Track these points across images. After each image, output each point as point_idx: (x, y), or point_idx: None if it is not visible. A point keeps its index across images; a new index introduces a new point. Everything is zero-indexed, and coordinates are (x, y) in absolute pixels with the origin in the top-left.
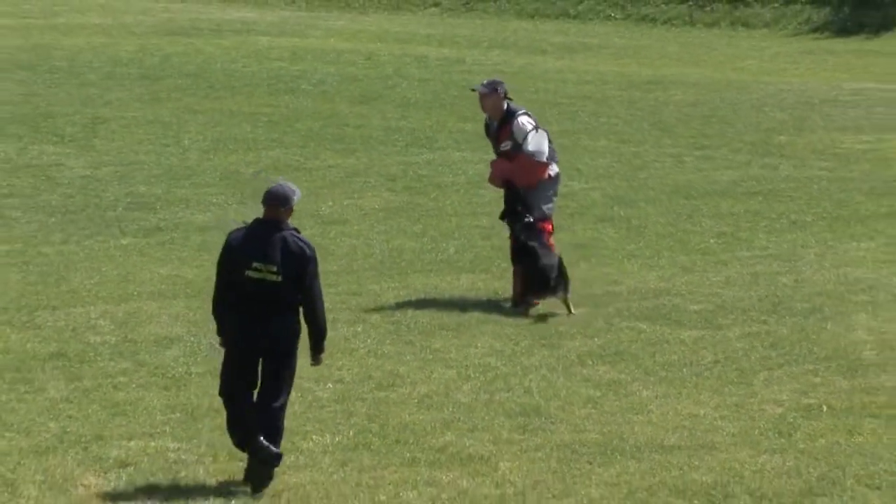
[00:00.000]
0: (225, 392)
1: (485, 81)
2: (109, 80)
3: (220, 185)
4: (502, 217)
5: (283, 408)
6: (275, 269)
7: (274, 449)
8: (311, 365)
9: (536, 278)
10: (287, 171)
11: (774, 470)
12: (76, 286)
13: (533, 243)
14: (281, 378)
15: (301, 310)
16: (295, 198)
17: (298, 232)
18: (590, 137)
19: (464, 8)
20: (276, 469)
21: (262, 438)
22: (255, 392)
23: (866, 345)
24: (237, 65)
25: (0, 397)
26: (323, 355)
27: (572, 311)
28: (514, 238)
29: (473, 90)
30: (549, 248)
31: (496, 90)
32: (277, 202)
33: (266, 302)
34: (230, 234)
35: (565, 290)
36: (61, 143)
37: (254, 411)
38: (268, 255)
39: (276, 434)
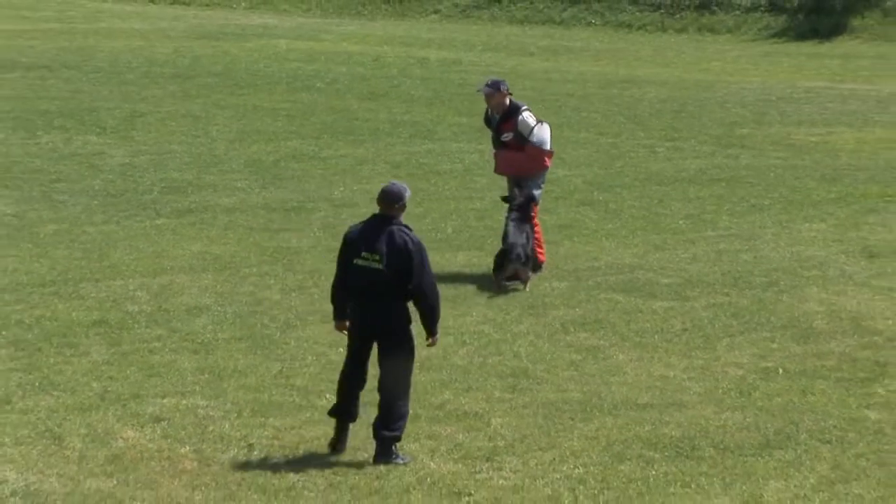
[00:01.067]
0: (345, 360)
1: (488, 82)
2: (146, 79)
3: (244, 172)
4: (504, 199)
5: (400, 395)
6: (378, 258)
7: (387, 433)
8: (427, 346)
9: (501, 254)
10: (303, 159)
11: (736, 425)
12: (116, 261)
13: (511, 223)
14: (396, 358)
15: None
16: (406, 195)
17: (409, 228)
18: (572, 130)
19: (461, 15)
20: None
21: (348, 425)
22: (363, 374)
23: (817, 315)
24: (259, 65)
25: (48, 360)
26: (436, 337)
27: (526, 288)
28: (506, 221)
29: (479, 91)
30: (523, 231)
31: (500, 89)
32: (391, 199)
33: (373, 289)
34: (349, 227)
35: (524, 266)
36: (103, 134)
37: (356, 391)
38: (374, 246)
39: (390, 418)
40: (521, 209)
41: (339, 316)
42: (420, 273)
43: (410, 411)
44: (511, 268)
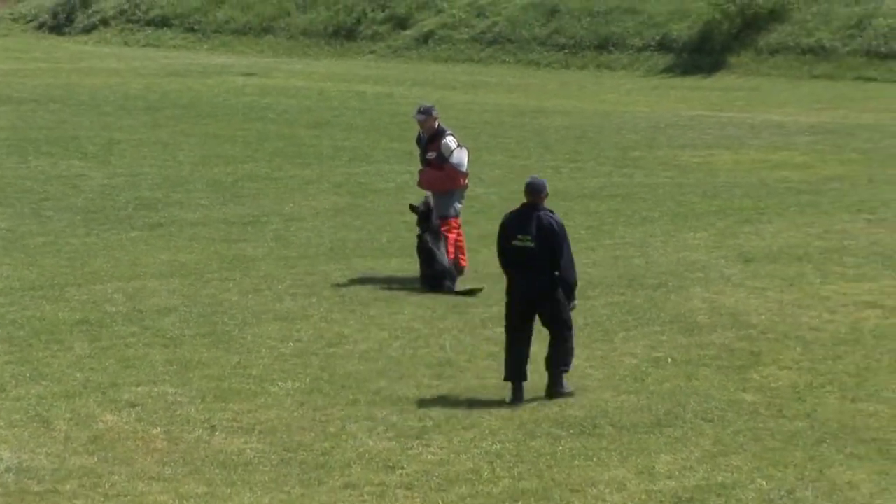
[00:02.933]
0: (507, 329)
1: (421, 108)
2: (122, 111)
3: (206, 191)
4: (413, 209)
5: (567, 339)
6: (529, 238)
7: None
8: (571, 309)
9: (431, 277)
10: (258, 179)
11: (631, 407)
12: (96, 268)
13: (433, 247)
14: (558, 321)
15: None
16: (547, 187)
17: (552, 212)
18: (489, 153)
19: (393, 55)
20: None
21: (522, 384)
22: (527, 336)
23: (700, 311)
24: (219, 98)
25: (38, 354)
26: (574, 302)
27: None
28: (421, 238)
29: (414, 117)
30: (445, 252)
31: (431, 114)
32: (536, 191)
33: (528, 264)
34: (504, 216)
35: (452, 285)
36: (85, 158)
37: (524, 355)
38: (526, 229)
39: (564, 355)
40: (435, 230)
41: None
42: (560, 247)
43: (351, 396)
44: (447, 285)
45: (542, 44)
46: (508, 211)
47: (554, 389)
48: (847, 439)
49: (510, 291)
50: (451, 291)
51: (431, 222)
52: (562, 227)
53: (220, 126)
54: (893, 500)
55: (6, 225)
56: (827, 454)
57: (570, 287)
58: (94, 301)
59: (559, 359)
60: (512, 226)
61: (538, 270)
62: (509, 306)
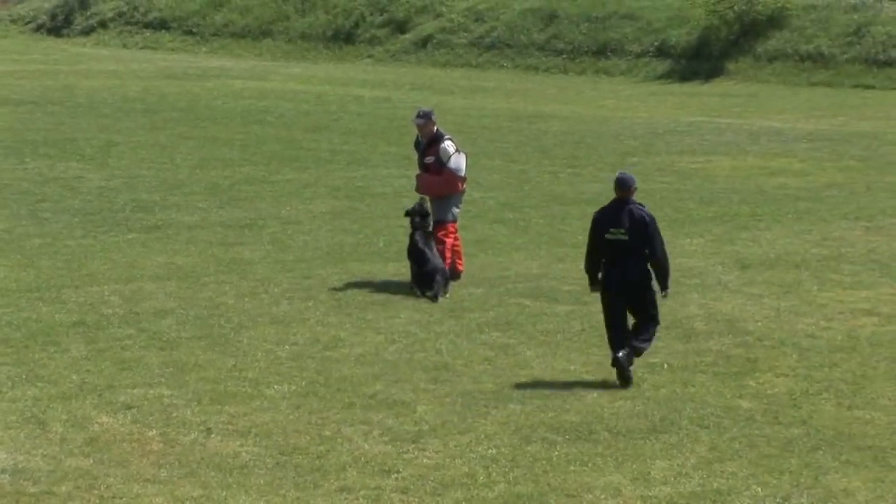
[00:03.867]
0: (608, 326)
1: (420, 112)
2: (120, 113)
3: (204, 194)
4: (407, 214)
5: (650, 327)
6: (623, 231)
7: (628, 373)
8: (662, 297)
9: (422, 278)
10: (255, 183)
11: (627, 412)
12: (93, 270)
13: (423, 247)
14: (646, 313)
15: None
16: (636, 182)
17: (642, 205)
18: (487, 158)
19: (391, 59)
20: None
21: (620, 355)
22: (624, 320)
23: (697, 317)
24: (217, 102)
25: (34, 356)
26: (668, 291)
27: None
28: (412, 239)
29: (413, 121)
30: (437, 253)
31: (430, 118)
32: (627, 185)
33: (621, 255)
34: (596, 211)
35: (444, 289)
36: (82, 160)
37: (624, 335)
38: (619, 222)
39: (644, 335)
40: (428, 232)
41: (593, 282)
42: (653, 238)
43: (347, 400)
44: (437, 288)
45: (541, 49)
46: (599, 207)
47: (620, 355)
48: (843, 446)
49: (604, 284)
50: (443, 288)
51: (426, 223)
52: (653, 219)
53: (218, 129)
54: None
55: (3, 226)
56: (823, 461)
57: (665, 275)
58: (90, 303)
59: (640, 337)
60: (605, 220)
61: (631, 262)
62: (605, 298)
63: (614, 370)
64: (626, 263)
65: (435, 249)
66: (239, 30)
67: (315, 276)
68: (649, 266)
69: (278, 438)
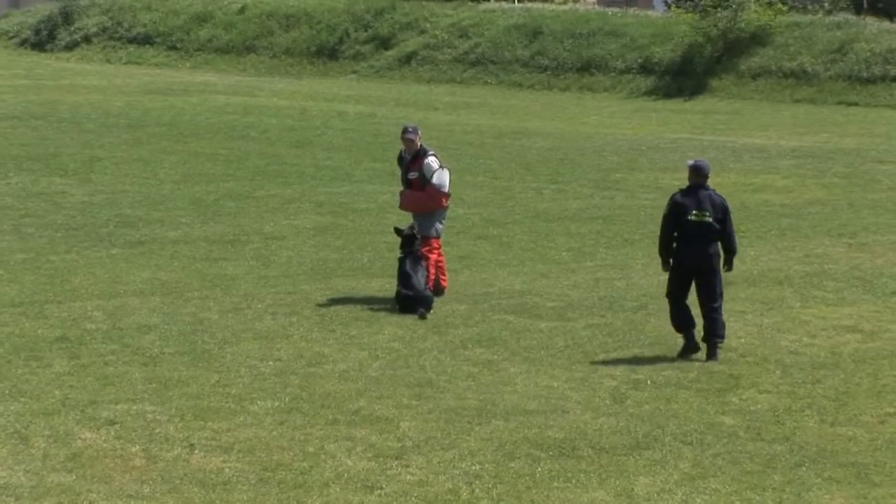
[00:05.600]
0: (671, 296)
1: (409, 128)
2: (103, 128)
3: (187, 209)
4: (397, 232)
5: (720, 308)
6: (707, 213)
7: (696, 342)
8: (725, 271)
9: (406, 298)
10: (239, 198)
11: (610, 429)
12: (76, 286)
13: (410, 271)
14: (713, 287)
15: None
16: (710, 168)
17: (715, 190)
18: (471, 174)
19: (375, 75)
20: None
21: (693, 331)
22: (687, 296)
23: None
24: (201, 117)
25: (17, 371)
26: (733, 267)
27: (426, 317)
28: (401, 261)
29: (404, 137)
30: (424, 277)
31: (418, 133)
32: (705, 172)
33: (704, 236)
34: (674, 195)
35: (425, 312)
36: (66, 175)
37: (687, 309)
38: (702, 206)
39: (718, 327)
40: (416, 255)
41: (666, 262)
42: (729, 221)
43: (331, 416)
44: (420, 311)
45: (525, 65)
46: (678, 190)
47: (712, 358)
48: (826, 463)
49: (676, 263)
50: (422, 317)
51: (414, 247)
52: (727, 202)
53: (202, 144)
54: None
55: None
56: (805, 478)
57: (734, 254)
58: (74, 318)
59: (715, 330)
60: (687, 203)
61: (710, 242)
62: (673, 276)
63: (686, 344)
64: (704, 244)
65: (422, 275)
66: (223, 45)
67: (299, 291)
68: (721, 245)
69: (261, 454)
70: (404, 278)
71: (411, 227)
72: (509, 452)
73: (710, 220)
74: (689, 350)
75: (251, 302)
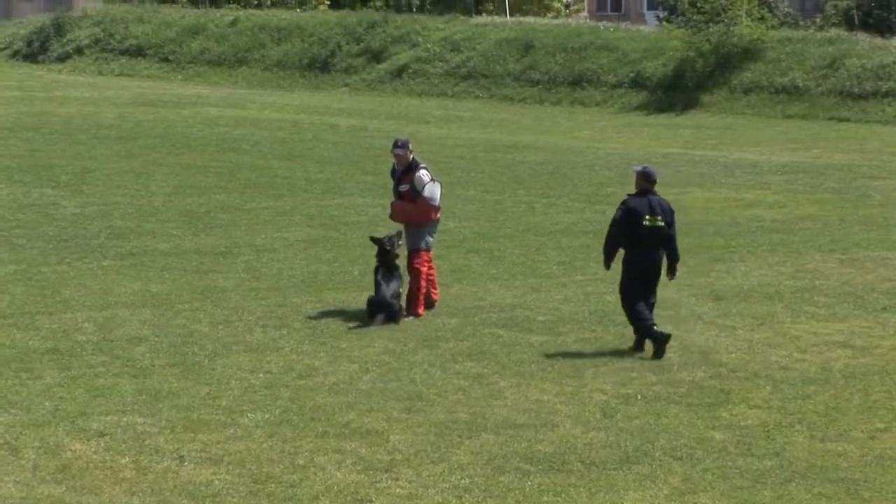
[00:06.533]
0: (632, 299)
1: (399, 142)
2: (95, 140)
3: (179, 221)
4: (373, 240)
5: (654, 304)
6: (660, 218)
7: (664, 332)
8: (669, 280)
9: (371, 304)
10: (230, 210)
11: (600, 443)
12: (67, 297)
13: (381, 280)
14: (656, 286)
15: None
16: (658, 174)
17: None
18: (462, 188)
19: (367, 88)
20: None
21: (655, 327)
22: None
23: (671, 349)
24: (193, 129)
25: (7, 382)
26: (677, 274)
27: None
28: (375, 269)
29: (394, 152)
30: (388, 285)
31: (408, 146)
32: (654, 179)
33: (656, 240)
34: (628, 202)
35: (385, 316)
36: (57, 187)
37: (647, 311)
38: (654, 211)
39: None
40: (390, 266)
41: (609, 262)
42: (674, 226)
43: (321, 429)
44: (380, 318)
45: (517, 79)
46: (630, 195)
47: (658, 356)
48: (815, 479)
49: (630, 267)
50: (379, 322)
51: (388, 259)
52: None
53: (194, 157)
54: None
55: None
56: (795, 493)
57: (678, 260)
58: (64, 330)
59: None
60: (640, 208)
61: (660, 246)
62: (629, 279)
63: (649, 341)
64: (655, 248)
65: (394, 285)
66: (215, 57)
67: (290, 304)
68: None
69: (251, 467)
70: (375, 286)
71: (390, 240)
72: (499, 466)
73: (662, 223)
74: (640, 345)
75: (242, 314)
